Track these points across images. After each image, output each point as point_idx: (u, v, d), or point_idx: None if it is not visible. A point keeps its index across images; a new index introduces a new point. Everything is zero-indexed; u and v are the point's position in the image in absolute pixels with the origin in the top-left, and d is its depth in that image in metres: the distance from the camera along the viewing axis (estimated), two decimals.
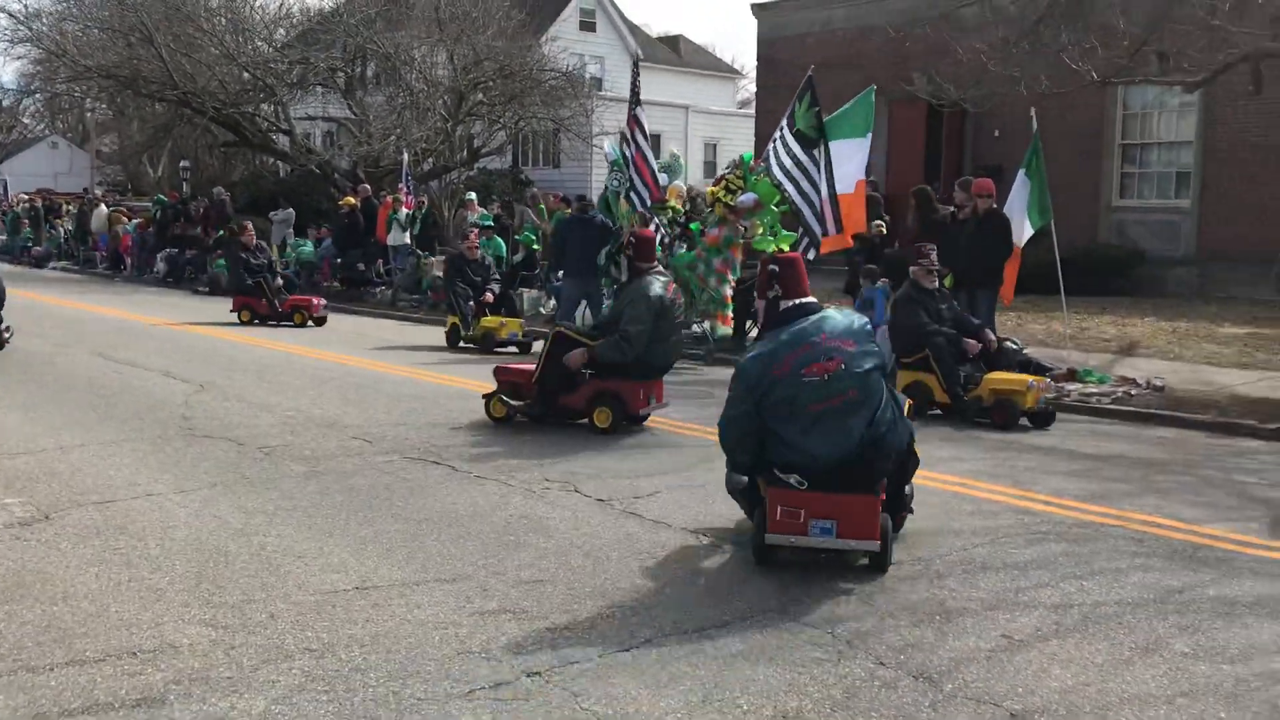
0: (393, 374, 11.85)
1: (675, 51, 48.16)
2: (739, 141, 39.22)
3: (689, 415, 9.42)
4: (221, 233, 24.31)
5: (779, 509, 5.20)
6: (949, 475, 7.38)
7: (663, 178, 13.82)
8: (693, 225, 13.98)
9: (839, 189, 12.02)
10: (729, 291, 13.03)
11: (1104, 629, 4.57)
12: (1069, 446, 8.59)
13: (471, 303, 14.41)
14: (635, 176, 13.05)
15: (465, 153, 28.22)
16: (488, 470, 7.36)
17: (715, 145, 39.04)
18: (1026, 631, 4.53)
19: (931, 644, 4.39)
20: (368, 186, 22.55)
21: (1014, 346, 12.14)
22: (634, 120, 13.28)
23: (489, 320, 14.10)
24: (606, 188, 14.36)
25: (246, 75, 27.21)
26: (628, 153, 13.17)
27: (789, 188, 12.19)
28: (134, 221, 27.72)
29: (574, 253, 14.00)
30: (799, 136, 12.22)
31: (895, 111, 25.17)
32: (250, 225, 18.43)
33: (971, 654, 4.31)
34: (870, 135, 12.59)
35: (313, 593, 5.07)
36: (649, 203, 13.20)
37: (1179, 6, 13.54)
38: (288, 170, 33.66)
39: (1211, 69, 14.13)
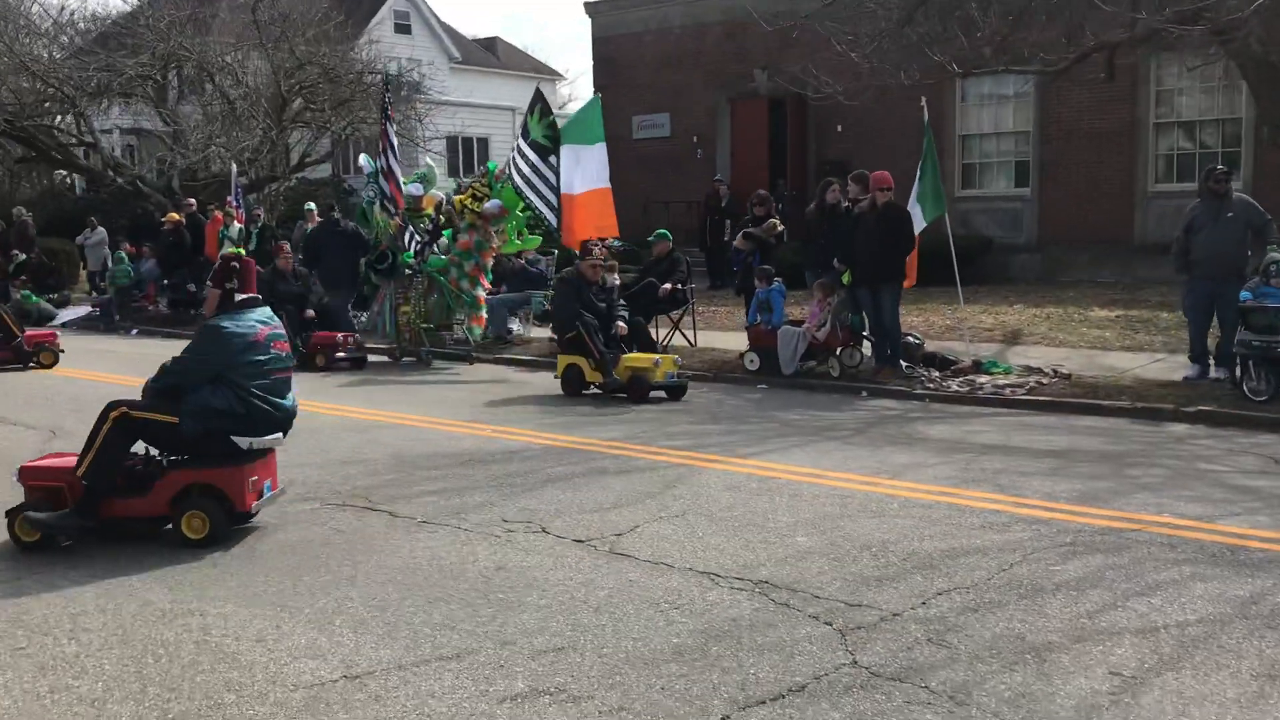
0: None
1: (493, 54, 47.16)
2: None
3: (600, 433, 8.79)
4: (25, 257, 22.15)
5: (249, 481, 6.09)
6: (925, 484, 7.00)
7: (418, 188, 14.63)
8: (445, 232, 14.50)
9: (574, 190, 13.08)
10: (482, 294, 14.18)
11: (1209, 654, 4.20)
12: (1017, 443, 8.38)
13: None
14: (384, 186, 14.08)
15: (290, 163, 26.64)
16: (433, 514, 6.54)
17: None
18: (1131, 666, 4.11)
19: (1045, 692, 3.92)
20: (193, 201, 20.90)
21: (915, 341, 12.06)
22: (384, 133, 14.39)
23: (636, 358, 11.08)
24: (363, 199, 15.30)
25: (39, 85, 24.90)
26: (380, 165, 14.19)
27: (528, 193, 13.11)
28: None
29: (330, 262, 15.02)
30: (534, 146, 13.05)
31: (737, 109, 25.12)
32: None
33: (1093, 700, 3.85)
34: (603, 144, 13.44)
35: (293, 687, 4.21)
36: (397, 211, 14.07)
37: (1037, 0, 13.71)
38: (85, 188, 31.15)
39: (1068, 58, 14.45)
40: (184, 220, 19.72)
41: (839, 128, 23.25)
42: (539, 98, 13.44)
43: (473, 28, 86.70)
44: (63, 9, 27.92)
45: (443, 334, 14.32)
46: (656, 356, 11.08)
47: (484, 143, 36.13)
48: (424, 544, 5.94)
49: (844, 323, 11.78)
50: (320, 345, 13.35)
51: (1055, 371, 11.04)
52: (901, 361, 11.52)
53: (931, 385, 10.99)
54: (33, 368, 13.61)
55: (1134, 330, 13.47)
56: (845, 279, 11.79)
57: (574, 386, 11.20)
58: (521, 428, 9.39)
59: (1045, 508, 6.34)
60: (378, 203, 14.34)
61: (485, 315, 14.25)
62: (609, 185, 13.52)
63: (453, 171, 34.46)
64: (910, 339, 11.96)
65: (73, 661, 4.51)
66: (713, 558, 5.54)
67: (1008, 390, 10.56)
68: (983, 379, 11.05)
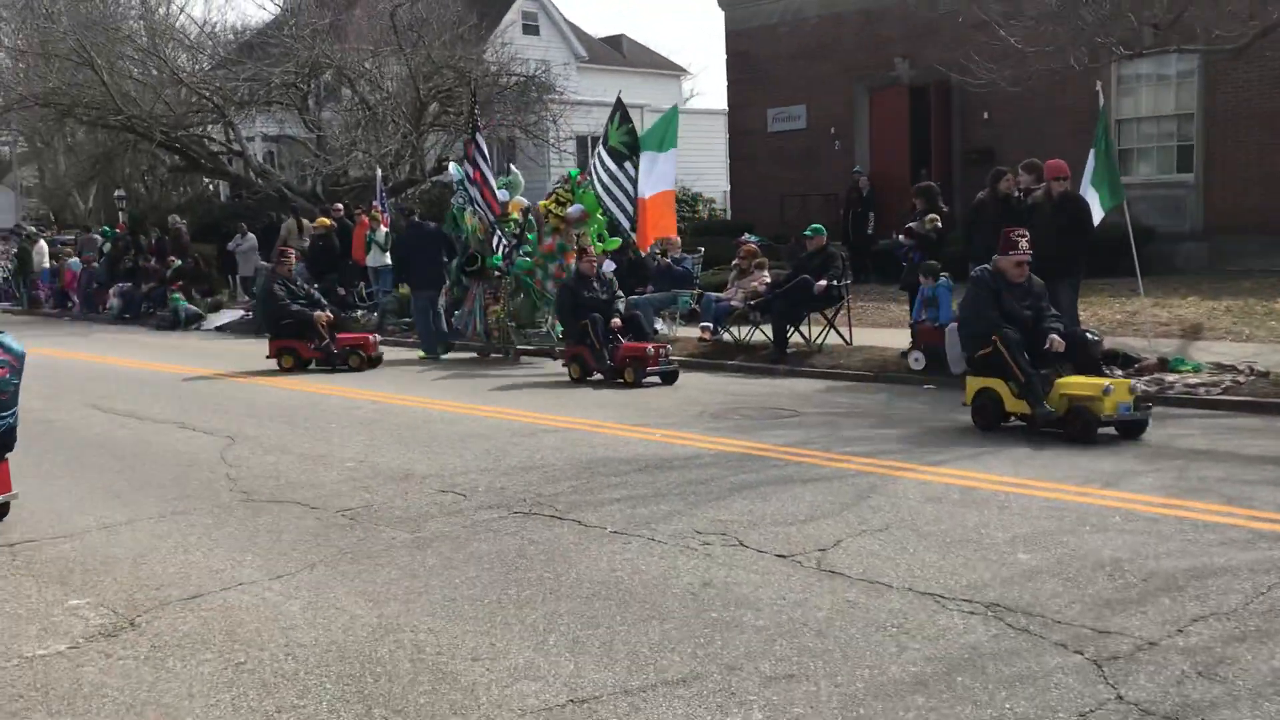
0: (434, 409, 10.79)
1: (619, 51, 47.23)
2: (693, 139, 38.39)
3: (772, 438, 8.54)
4: (180, 264, 22.92)
5: None
6: (1142, 495, 6.55)
7: (504, 194, 15.09)
8: (530, 235, 15.08)
9: (645, 194, 13.68)
10: None
11: None
12: (1227, 448, 7.84)
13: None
14: (476, 194, 14.58)
15: (427, 166, 27.03)
16: (623, 523, 6.37)
17: None
18: None
19: None
20: (340, 206, 21.32)
21: (1093, 337, 11.45)
22: (472, 143, 14.79)
23: (1077, 383, 10.26)
24: (453, 204, 15.91)
25: (194, 96, 25.74)
26: (469, 171, 14.74)
27: (605, 198, 13.89)
28: (74, 257, 26.15)
29: (417, 263, 15.58)
30: (612, 152, 13.82)
31: (876, 99, 24.51)
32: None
33: None
34: (675, 150, 14.12)
35: (519, 712, 4.06)
36: (492, 217, 14.58)
37: None
38: (229, 194, 32.15)
39: (1248, 34, 13.61)
40: (334, 225, 20.11)
41: (985, 115, 22.47)
42: (619, 105, 14.29)
43: (598, 26, 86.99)
44: (206, 21, 28.89)
45: (528, 332, 14.95)
46: (1107, 383, 8.33)
47: None
48: (621, 556, 5.77)
49: None
50: (630, 358, 12.02)
51: (1251, 369, 10.36)
52: None
53: None
54: (342, 369, 13.79)
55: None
56: None
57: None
58: (688, 431, 9.19)
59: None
60: (468, 209, 14.94)
61: None
62: (673, 188, 14.60)
63: (583, 170, 34.62)
64: (1089, 335, 11.35)
65: (293, 679, 4.45)
66: (932, 576, 5.23)
67: (1201, 390, 9.94)
68: (1171, 377, 10.43)
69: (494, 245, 14.68)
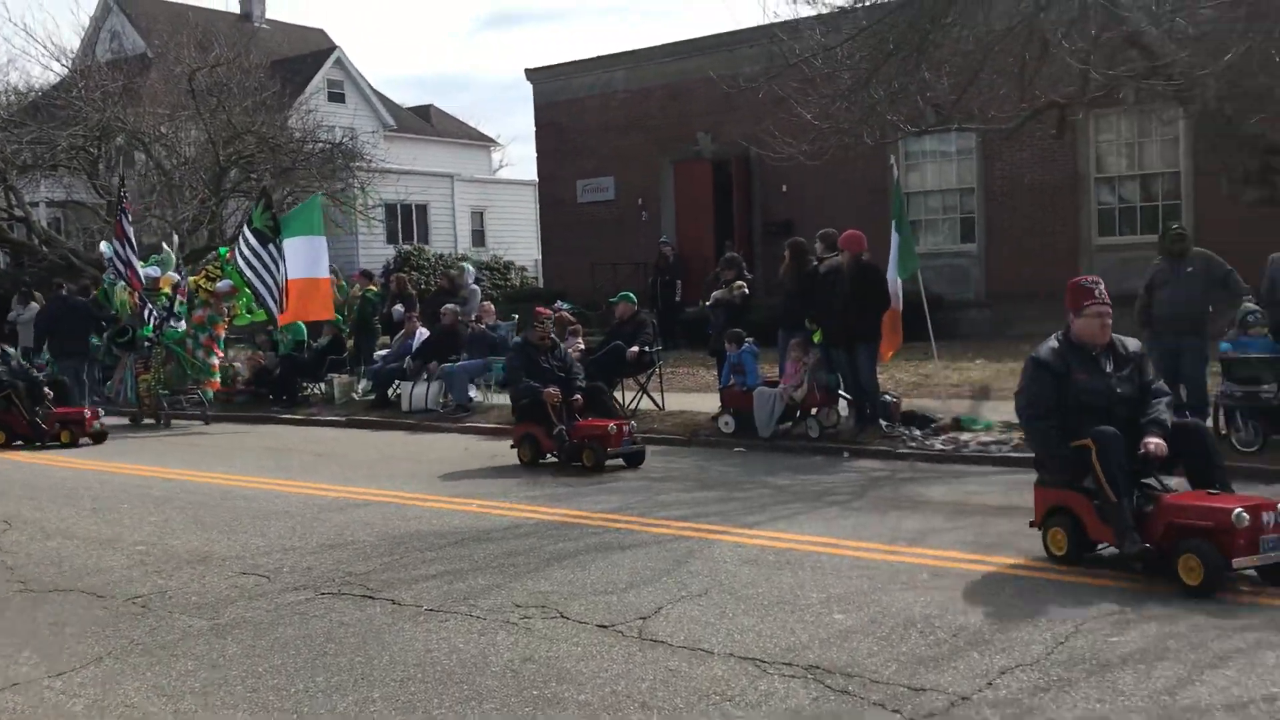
0: (234, 486, 10.26)
1: (427, 121, 47.05)
2: (504, 208, 38.54)
3: (590, 505, 8.50)
4: None
5: None
6: (948, 550, 6.80)
7: (155, 270, 16.51)
8: (179, 308, 16.14)
9: (292, 275, 14.87)
10: (215, 361, 16.19)
11: None
12: (1022, 503, 8.20)
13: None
14: (123, 271, 15.75)
15: (227, 232, 26.05)
16: (437, 600, 6.16)
17: (482, 213, 38.12)
18: None
19: None
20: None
21: (892, 399, 11.96)
22: (119, 225, 15.92)
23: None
24: (104, 279, 17.73)
25: None
26: (118, 248, 15.83)
27: (248, 273, 15.02)
28: None
29: (62, 334, 16.73)
30: (256, 234, 15.01)
31: (680, 171, 25.20)
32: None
33: None
34: (324, 237, 15.61)
35: None
36: (136, 292, 15.80)
37: (991, 59, 13.88)
38: (8, 262, 30.16)
39: (1020, 116, 14.66)
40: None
41: (783, 188, 23.41)
42: (264, 194, 16.12)
43: (407, 96, 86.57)
44: None
45: (179, 398, 16.22)
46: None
47: (423, 209, 35.75)
48: (437, 634, 5.56)
49: (820, 383, 11.65)
50: (589, 438, 10.50)
51: None
52: (881, 421, 11.40)
53: (914, 444, 10.87)
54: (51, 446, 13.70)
55: None
56: (816, 338, 11.69)
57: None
58: (505, 501, 9.05)
59: (1075, 572, 6.15)
60: (119, 283, 16.35)
61: (218, 380, 16.36)
62: (328, 276, 15.71)
63: (391, 238, 34.07)
64: (888, 397, 11.86)
65: None
66: (752, 641, 5.25)
67: (993, 447, 10.47)
68: (965, 436, 10.96)
69: (145, 317, 15.72)
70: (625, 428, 10.48)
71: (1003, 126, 14.97)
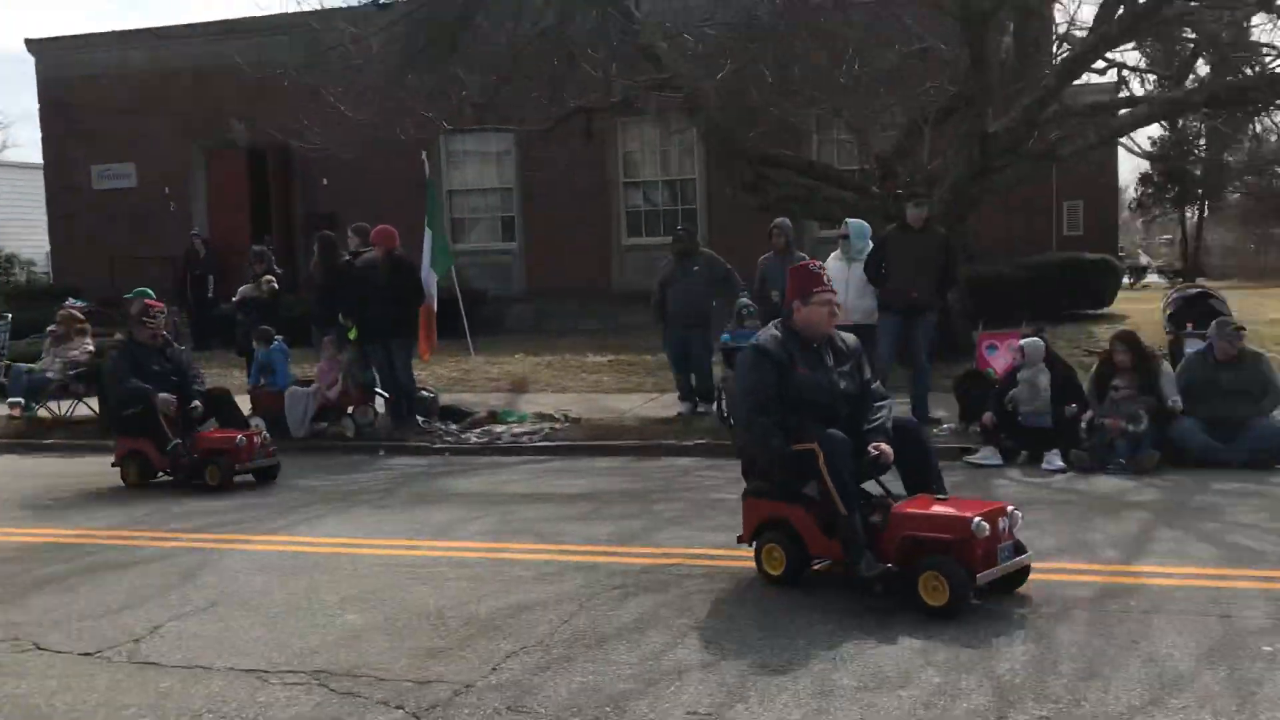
0: None
1: None
2: (3, 194, 34.28)
3: (94, 521, 7.79)
4: None
5: None
6: (470, 541, 6.88)
7: None
8: None
9: None
10: None
11: (771, 681, 4.44)
12: (547, 490, 8.55)
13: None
14: None
15: None
16: None
17: None
18: (705, 703, 4.23)
19: None
20: None
21: (430, 394, 11.98)
22: None
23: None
24: None
25: None
26: None
27: None
28: None
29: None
30: None
31: (213, 160, 23.73)
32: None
33: None
34: None
35: None
36: None
37: (522, 63, 14.33)
38: None
39: (550, 120, 15.28)
40: None
41: (325, 181, 22.75)
42: None
43: None
44: None
45: None
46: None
47: None
48: None
49: (356, 380, 11.41)
50: (212, 452, 9.16)
51: (565, 416, 11.46)
52: (418, 417, 11.38)
53: (451, 439, 10.95)
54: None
55: (626, 373, 14.38)
56: (351, 334, 11.45)
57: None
58: None
59: (590, 551, 6.47)
60: None
61: None
62: None
63: None
64: (425, 393, 11.86)
65: None
66: (258, 651, 4.98)
67: (525, 438, 10.78)
68: (500, 428, 11.20)
69: None
70: (256, 439, 9.27)
71: (535, 129, 15.52)
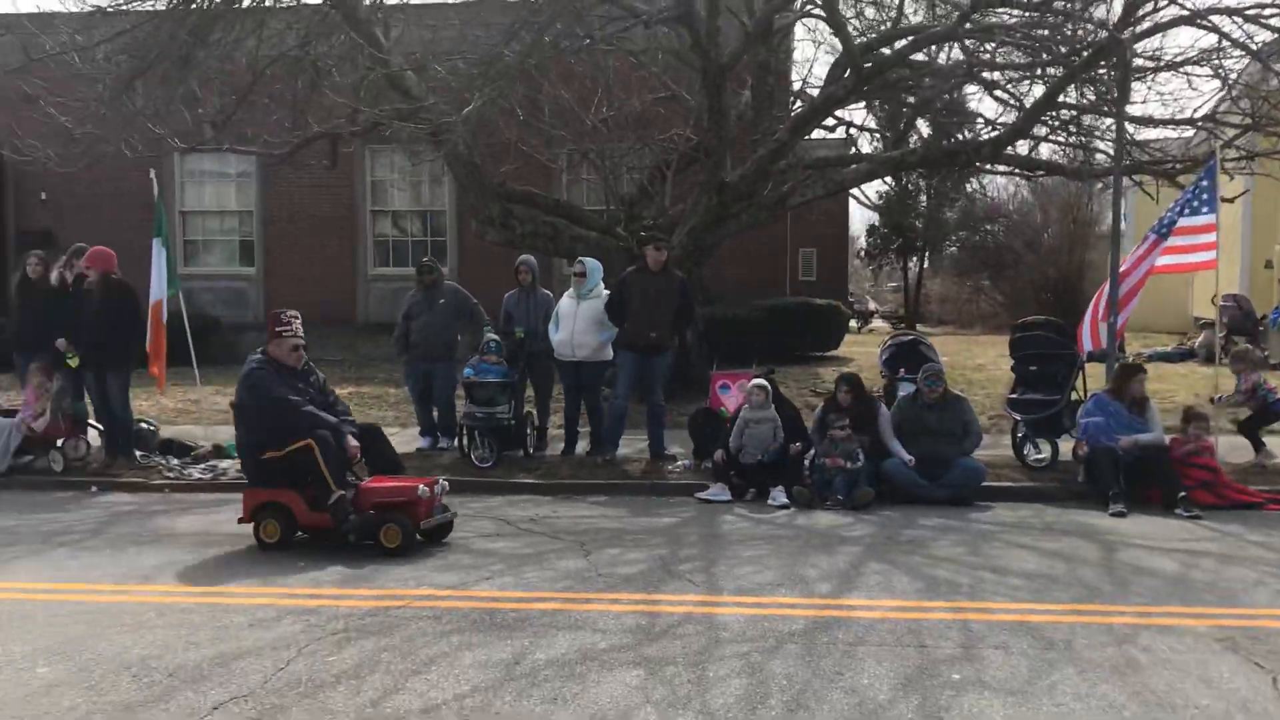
0: None
1: None
2: None
3: None
4: None
5: None
6: (181, 586, 6.50)
7: None
8: None
9: None
10: None
11: None
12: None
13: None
14: None
15: None
16: None
17: None
18: None
19: None
20: None
21: (150, 427, 11.34)
22: None
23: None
24: None
25: None
26: None
27: None
28: None
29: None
30: None
31: None
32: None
33: None
34: None
35: None
36: None
37: (263, 83, 13.84)
38: None
39: (291, 143, 14.81)
40: None
41: (42, 195, 21.21)
42: None
43: None
44: None
45: None
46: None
47: None
48: None
49: (66, 410, 10.62)
50: (387, 506, 7.44)
51: None
52: (136, 451, 10.69)
53: (171, 474, 10.35)
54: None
55: (369, 405, 14.05)
56: (72, 363, 10.65)
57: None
58: None
59: (313, 595, 6.24)
60: None
61: None
62: None
63: None
64: (145, 425, 11.17)
65: None
66: None
67: None
68: (225, 463, 10.68)
69: None
70: (435, 487, 7.54)
71: (276, 152, 14.98)
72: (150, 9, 12.22)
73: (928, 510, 8.73)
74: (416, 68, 13.16)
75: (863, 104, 17.26)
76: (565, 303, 10.81)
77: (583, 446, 10.91)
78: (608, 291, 10.67)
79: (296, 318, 7.87)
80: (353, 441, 7.59)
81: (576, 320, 10.57)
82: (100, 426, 10.85)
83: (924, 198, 43.30)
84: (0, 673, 4.99)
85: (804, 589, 6.43)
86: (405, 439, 11.72)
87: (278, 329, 7.76)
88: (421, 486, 7.36)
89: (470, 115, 10.86)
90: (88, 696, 4.69)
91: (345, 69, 14.02)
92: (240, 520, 7.56)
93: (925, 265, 47.76)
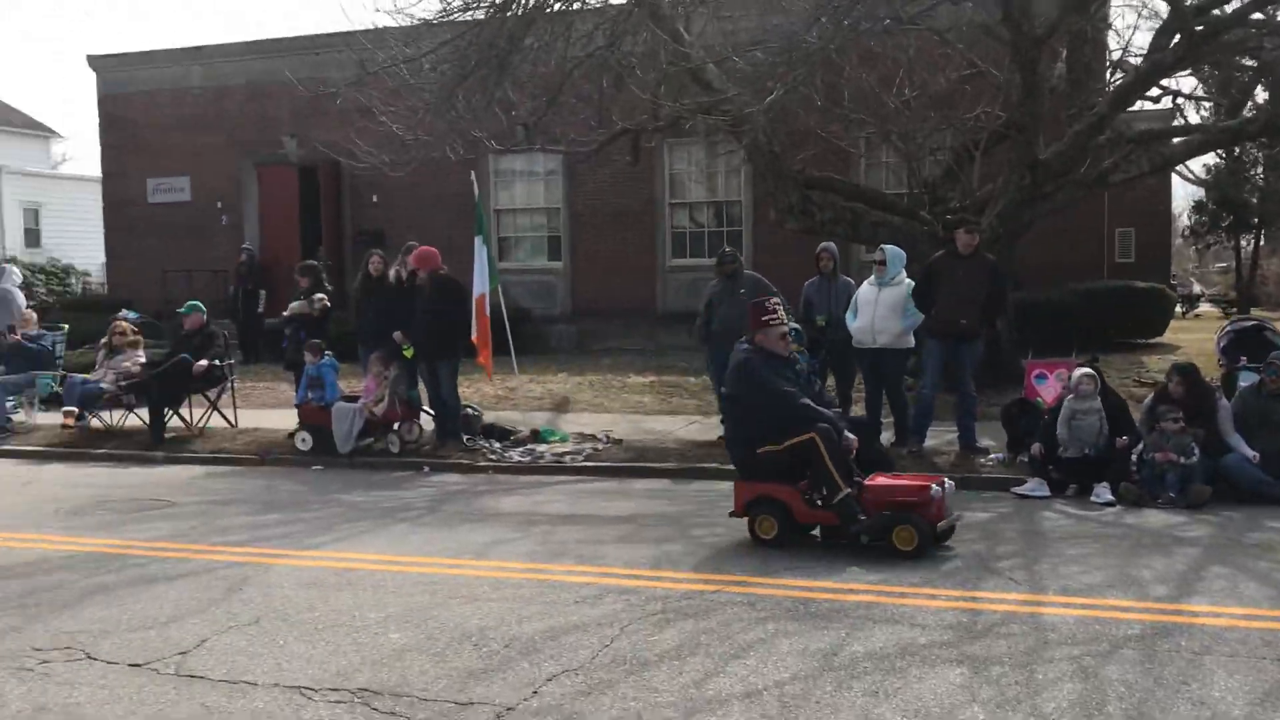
0: None
1: None
2: (65, 207, 35.03)
3: (140, 533, 7.89)
4: None
5: None
6: (511, 562, 6.89)
7: None
8: None
9: None
10: None
11: (811, 712, 4.40)
12: (586, 511, 8.54)
13: None
14: None
15: None
16: None
17: (37, 210, 34.40)
18: None
19: None
20: None
21: (474, 412, 12.05)
22: None
23: None
24: None
25: None
26: None
27: None
28: None
29: None
30: None
31: (264, 175, 24.06)
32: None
33: None
34: None
35: None
36: None
37: (571, 84, 14.42)
38: None
39: (598, 140, 15.35)
40: None
41: (374, 198, 23.01)
42: None
43: None
44: None
45: None
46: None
47: None
48: None
49: (402, 397, 11.50)
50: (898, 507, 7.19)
51: (608, 437, 11.46)
52: (463, 434, 11.44)
53: (494, 457, 10.98)
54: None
55: (669, 395, 14.37)
56: (408, 353, 11.52)
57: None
58: (37, 532, 8.12)
59: (630, 575, 6.46)
60: None
61: None
62: None
63: None
64: (470, 411, 11.92)
65: None
66: (300, 668, 5.02)
67: (567, 458, 10.79)
68: (542, 448, 11.22)
69: None
70: (946, 486, 7.15)
71: (582, 150, 15.59)
72: (470, 19, 12.98)
73: (1274, 511, 7.96)
74: (717, 60, 13.29)
75: (1189, 71, 15.94)
76: (865, 290, 10.63)
77: (885, 437, 10.69)
78: (909, 279, 10.41)
79: (779, 304, 7.63)
80: (850, 436, 7.06)
81: (877, 307, 10.36)
82: (432, 412, 11.66)
83: (1260, 170, 39.43)
84: (359, 635, 5.47)
85: (1138, 591, 6.02)
86: (707, 426, 11.93)
87: (764, 318, 7.28)
88: (934, 486, 6.86)
89: (774, 103, 10.84)
90: (434, 663, 5.05)
91: (646, 66, 14.38)
92: (733, 514, 7.22)
93: (1261, 243, 43.54)
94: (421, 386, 11.79)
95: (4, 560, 7.17)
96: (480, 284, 12.02)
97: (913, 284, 10.31)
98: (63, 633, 5.61)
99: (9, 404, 13.29)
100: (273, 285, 21.45)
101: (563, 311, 22.14)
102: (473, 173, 12.84)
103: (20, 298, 15.76)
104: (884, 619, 5.51)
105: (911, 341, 10.34)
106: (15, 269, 17.42)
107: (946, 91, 14.63)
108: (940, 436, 10.36)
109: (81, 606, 6.09)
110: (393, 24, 13.48)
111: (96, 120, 25.29)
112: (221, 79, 24.05)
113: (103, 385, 12.74)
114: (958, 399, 10.23)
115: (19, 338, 13.96)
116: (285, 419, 12.70)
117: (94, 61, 25.14)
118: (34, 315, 14.97)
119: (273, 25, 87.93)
